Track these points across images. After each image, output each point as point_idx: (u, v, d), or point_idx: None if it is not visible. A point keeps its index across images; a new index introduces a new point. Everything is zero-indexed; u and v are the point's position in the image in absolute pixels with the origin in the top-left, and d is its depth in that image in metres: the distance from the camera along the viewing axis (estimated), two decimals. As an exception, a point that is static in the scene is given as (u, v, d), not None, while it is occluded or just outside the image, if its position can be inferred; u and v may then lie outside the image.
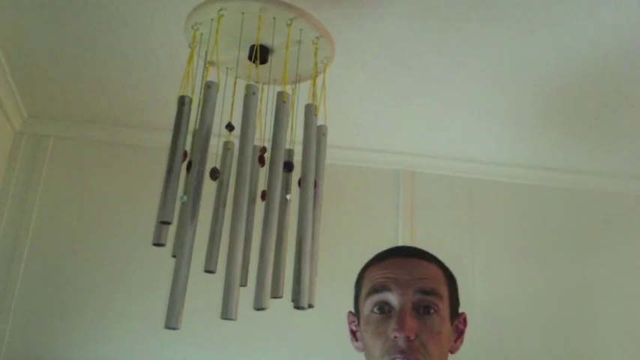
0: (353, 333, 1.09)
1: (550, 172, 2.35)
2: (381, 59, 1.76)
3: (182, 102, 1.31)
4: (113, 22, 1.66)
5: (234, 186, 1.22)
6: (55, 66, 1.89)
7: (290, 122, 1.33)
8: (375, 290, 1.00)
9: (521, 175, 2.35)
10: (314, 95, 1.40)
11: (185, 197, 1.21)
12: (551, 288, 2.23)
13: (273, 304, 1.22)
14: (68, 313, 2.01)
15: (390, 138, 2.22)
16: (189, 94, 1.31)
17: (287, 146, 1.34)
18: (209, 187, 1.27)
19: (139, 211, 2.12)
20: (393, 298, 0.99)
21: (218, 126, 1.29)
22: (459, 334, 1.06)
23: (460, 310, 1.08)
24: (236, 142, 1.28)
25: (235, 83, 1.39)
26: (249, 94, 1.27)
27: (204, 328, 1.96)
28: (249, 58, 1.38)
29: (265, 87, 1.44)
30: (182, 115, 1.30)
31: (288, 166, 1.37)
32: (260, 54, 1.36)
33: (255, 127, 1.27)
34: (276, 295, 1.25)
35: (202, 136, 1.26)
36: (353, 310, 1.10)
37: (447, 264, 1.08)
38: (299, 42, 1.36)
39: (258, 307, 1.16)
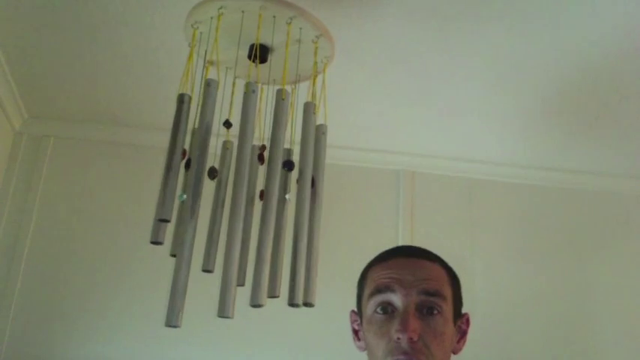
0: (355, 332, 1.09)
1: (550, 172, 2.35)
2: (381, 59, 1.76)
3: (181, 100, 1.31)
4: (113, 21, 1.66)
5: (232, 186, 1.22)
6: (55, 66, 1.89)
7: (289, 120, 1.32)
8: (379, 291, 1.00)
9: (521, 175, 2.35)
10: (314, 95, 1.39)
11: (184, 196, 1.21)
12: (551, 288, 2.22)
13: (272, 304, 1.22)
14: (68, 313, 2.01)
15: (390, 138, 2.22)
16: (189, 93, 1.31)
17: (287, 146, 1.34)
18: (207, 186, 1.27)
19: (138, 211, 2.12)
20: (396, 299, 0.98)
21: (217, 126, 1.29)
22: (462, 334, 1.05)
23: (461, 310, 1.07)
24: (235, 142, 1.28)
25: (234, 83, 1.39)
26: (249, 92, 1.27)
27: (204, 328, 1.96)
28: (249, 57, 1.38)
29: (265, 87, 1.43)
30: (181, 113, 1.30)
31: (289, 165, 1.36)
32: (260, 53, 1.36)
33: (255, 125, 1.27)
34: (273, 294, 1.23)
35: (202, 134, 1.25)
36: (355, 309, 1.09)
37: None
38: (299, 41, 1.36)
39: (255, 304, 1.16)
